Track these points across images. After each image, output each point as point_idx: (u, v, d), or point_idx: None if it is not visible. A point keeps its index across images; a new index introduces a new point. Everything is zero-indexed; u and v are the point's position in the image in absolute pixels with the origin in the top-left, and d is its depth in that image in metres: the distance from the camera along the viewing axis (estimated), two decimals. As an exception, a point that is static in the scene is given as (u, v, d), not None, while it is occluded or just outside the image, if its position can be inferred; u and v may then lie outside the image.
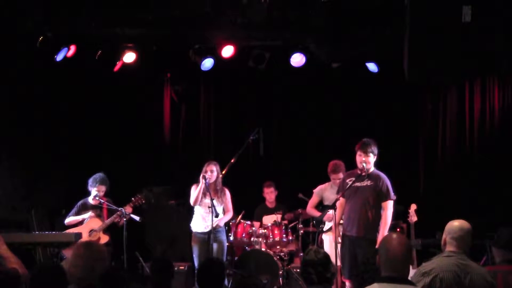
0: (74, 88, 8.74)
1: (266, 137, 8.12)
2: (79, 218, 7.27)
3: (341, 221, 6.64)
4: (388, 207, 6.33)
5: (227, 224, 7.68)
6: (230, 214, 7.50)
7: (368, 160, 6.37)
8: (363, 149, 6.39)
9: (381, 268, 3.43)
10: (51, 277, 3.76)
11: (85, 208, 7.40)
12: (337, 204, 6.54)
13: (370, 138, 6.48)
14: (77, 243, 4.40)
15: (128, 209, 7.26)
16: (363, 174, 6.42)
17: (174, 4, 7.46)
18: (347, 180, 6.52)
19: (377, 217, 6.32)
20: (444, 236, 4.06)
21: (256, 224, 8.30)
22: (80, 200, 7.47)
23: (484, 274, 3.90)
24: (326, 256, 3.96)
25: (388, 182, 6.38)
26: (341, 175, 7.28)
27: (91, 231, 7.20)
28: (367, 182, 6.39)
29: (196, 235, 7.37)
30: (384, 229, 6.21)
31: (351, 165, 6.99)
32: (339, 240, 6.53)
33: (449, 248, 4.00)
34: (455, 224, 4.08)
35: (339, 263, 6.37)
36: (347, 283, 6.44)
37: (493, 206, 8.13)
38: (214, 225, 7.15)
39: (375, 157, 6.43)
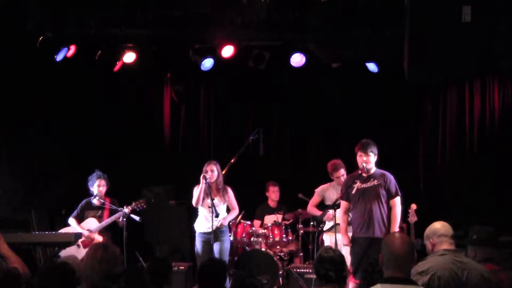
0: (74, 88, 8.74)
1: (266, 137, 8.12)
2: (78, 229, 7.31)
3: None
4: (397, 204, 6.36)
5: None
6: (235, 212, 7.49)
7: (369, 160, 6.37)
8: (364, 149, 6.39)
9: (384, 268, 3.42)
10: (59, 276, 3.77)
11: (88, 208, 7.47)
12: (342, 209, 6.57)
13: (368, 139, 6.49)
14: (93, 245, 4.39)
15: (127, 210, 7.28)
16: (364, 174, 6.42)
17: (174, 4, 7.47)
18: (351, 183, 6.51)
19: (389, 216, 6.35)
20: (430, 239, 4.07)
21: (257, 222, 8.33)
22: (83, 200, 7.52)
23: (481, 270, 3.91)
24: (343, 255, 3.96)
25: (393, 180, 6.41)
26: (342, 171, 7.35)
27: (87, 230, 7.29)
28: (373, 182, 6.39)
29: (200, 235, 7.36)
30: (394, 227, 6.23)
31: (350, 164, 7.00)
32: (344, 242, 6.54)
33: (443, 246, 4.02)
34: (437, 226, 4.16)
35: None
36: (352, 284, 6.37)
37: (493, 206, 8.12)
38: (218, 225, 7.17)
39: (376, 156, 6.43)
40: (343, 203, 6.60)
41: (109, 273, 3.97)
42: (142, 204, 7.43)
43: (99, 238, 7.27)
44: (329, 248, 3.99)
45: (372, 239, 6.28)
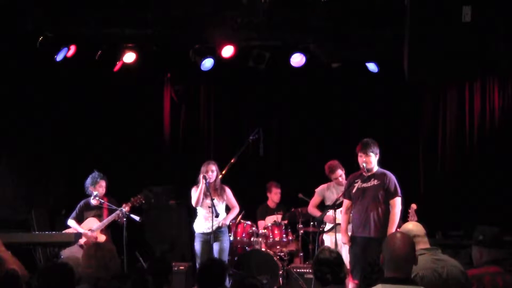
0: (74, 88, 8.74)
1: (266, 137, 8.12)
2: (80, 230, 7.30)
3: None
4: (396, 205, 6.31)
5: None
6: (236, 210, 7.48)
7: (369, 160, 6.36)
8: (363, 150, 6.39)
9: (385, 268, 3.42)
10: (59, 277, 3.78)
11: (87, 208, 7.46)
12: (343, 207, 6.57)
13: (369, 138, 6.48)
14: (88, 245, 4.45)
15: (126, 208, 7.28)
16: (365, 174, 6.42)
17: (174, 4, 7.47)
18: (352, 182, 6.51)
19: (387, 216, 6.31)
20: None
21: (261, 222, 8.32)
22: (82, 201, 7.51)
23: (457, 264, 3.97)
24: (340, 256, 3.94)
25: (394, 179, 6.38)
26: (339, 172, 7.40)
27: (89, 230, 7.26)
28: (373, 182, 6.38)
29: (199, 235, 7.36)
30: (392, 228, 6.18)
31: (350, 164, 7.01)
32: (344, 240, 6.53)
33: (419, 246, 4.01)
34: (410, 227, 4.21)
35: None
36: (351, 284, 6.37)
37: (493, 206, 8.12)
38: (220, 224, 7.18)
39: (377, 156, 6.42)
40: (345, 202, 6.60)
41: (106, 267, 4.00)
42: (141, 199, 7.43)
43: (102, 238, 7.25)
44: (326, 249, 3.96)
45: (369, 239, 6.28)
